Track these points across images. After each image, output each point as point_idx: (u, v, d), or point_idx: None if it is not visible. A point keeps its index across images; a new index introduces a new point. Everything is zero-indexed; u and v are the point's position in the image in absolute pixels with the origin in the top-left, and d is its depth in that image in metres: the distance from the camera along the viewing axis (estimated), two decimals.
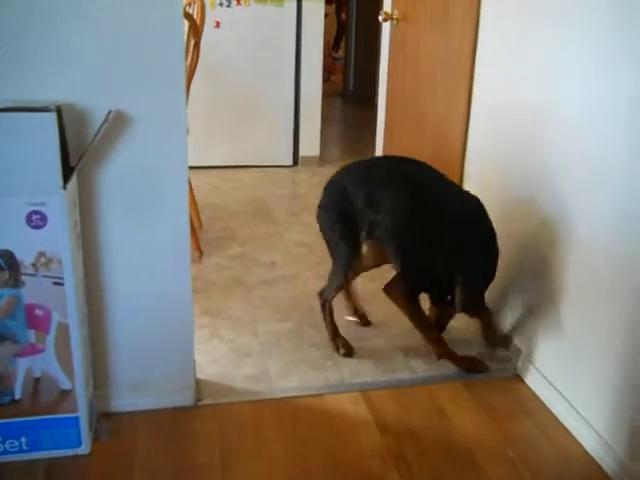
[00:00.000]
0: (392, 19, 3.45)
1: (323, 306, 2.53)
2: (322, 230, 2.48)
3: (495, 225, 2.29)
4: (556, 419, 2.09)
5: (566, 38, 2.06)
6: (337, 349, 2.46)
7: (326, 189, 2.50)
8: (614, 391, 1.85)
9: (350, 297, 2.73)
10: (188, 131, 2.74)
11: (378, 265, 2.62)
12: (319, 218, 2.48)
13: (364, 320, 2.71)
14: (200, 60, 3.25)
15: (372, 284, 3.05)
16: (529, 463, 1.89)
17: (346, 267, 2.44)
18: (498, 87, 2.53)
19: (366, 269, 2.66)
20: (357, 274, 2.66)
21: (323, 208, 2.47)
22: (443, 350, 2.34)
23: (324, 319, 2.53)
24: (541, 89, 2.21)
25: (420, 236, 2.27)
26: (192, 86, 3.29)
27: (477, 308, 2.39)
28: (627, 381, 1.79)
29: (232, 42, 4.79)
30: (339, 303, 2.69)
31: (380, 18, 3.52)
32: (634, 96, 1.74)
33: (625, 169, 1.79)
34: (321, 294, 2.53)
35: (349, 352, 2.45)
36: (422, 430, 2.04)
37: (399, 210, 2.27)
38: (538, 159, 2.24)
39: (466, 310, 2.35)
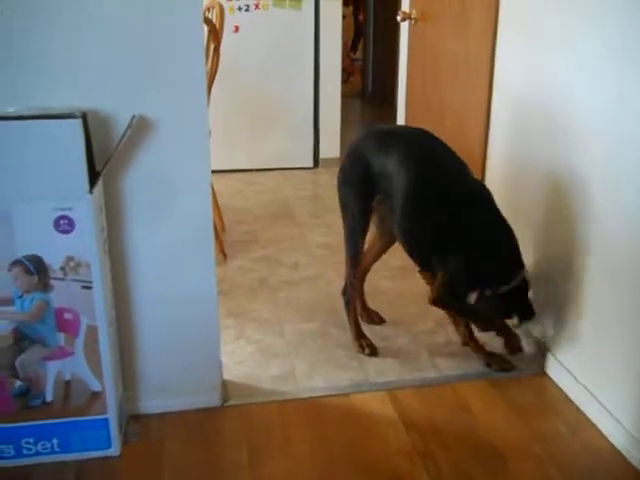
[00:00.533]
0: (410, 19, 3.46)
1: (347, 305, 2.52)
2: (339, 196, 2.52)
3: (514, 216, 2.29)
4: (582, 414, 2.08)
5: (585, 30, 2.05)
6: (361, 349, 2.46)
7: (346, 153, 2.52)
8: None
9: (360, 296, 2.69)
10: (210, 134, 2.77)
11: (387, 247, 2.67)
12: (338, 182, 2.51)
13: (377, 317, 2.70)
14: (220, 64, 3.28)
15: (392, 282, 3.07)
16: (556, 459, 1.89)
17: (356, 236, 2.47)
18: (518, 82, 2.52)
19: (376, 253, 2.68)
20: (368, 263, 2.68)
21: (341, 171, 2.50)
22: (471, 339, 2.40)
23: (348, 318, 2.53)
24: (560, 83, 2.21)
25: (422, 216, 2.27)
26: (213, 91, 3.32)
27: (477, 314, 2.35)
28: None
29: (251, 46, 4.81)
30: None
31: (398, 18, 3.52)
32: None
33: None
34: (344, 293, 2.54)
35: (373, 352, 2.44)
36: (448, 427, 2.04)
37: (407, 188, 2.25)
38: (559, 151, 2.23)
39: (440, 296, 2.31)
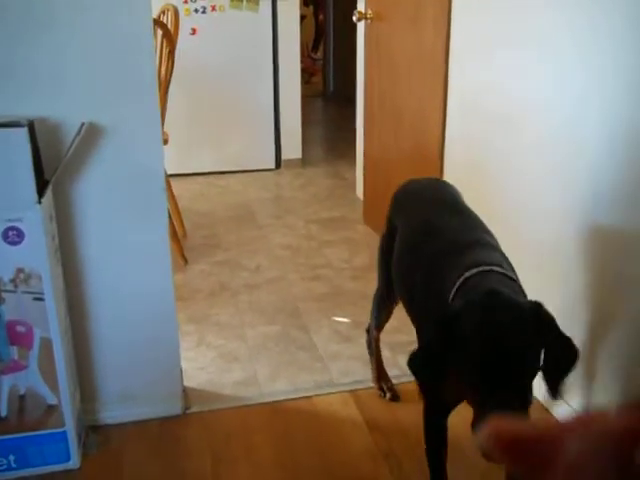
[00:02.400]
0: (366, 18, 3.46)
1: (368, 343, 2.26)
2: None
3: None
4: (547, 411, 2.10)
5: (537, 30, 2.07)
6: (382, 392, 2.20)
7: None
8: None
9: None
10: (167, 141, 2.74)
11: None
12: None
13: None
14: (178, 68, 3.25)
15: (355, 283, 3.07)
16: None
17: (380, 299, 2.17)
18: (473, 81, 2.54)
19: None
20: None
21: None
22: None
23: (370, 358, 2.26)
24: (514, 81, 2.23)
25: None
26: (172, 94, 3.29)
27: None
28: None
29: (209, 48, 4.77)
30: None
31: (354, 18, 3.52)
32: (612, 81, 1.76)
33: (598, 153, 1.80)
34: (367, 330, 2.27)
35: (395, 397, 2.18)
36: (411, 426, 2.03)
37: (403, 236, 1.82)
38: (513, 152, 2.25)
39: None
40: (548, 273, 2.06)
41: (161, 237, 1.95)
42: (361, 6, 3.58)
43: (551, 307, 1.26)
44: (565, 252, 1.99)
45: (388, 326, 2.64)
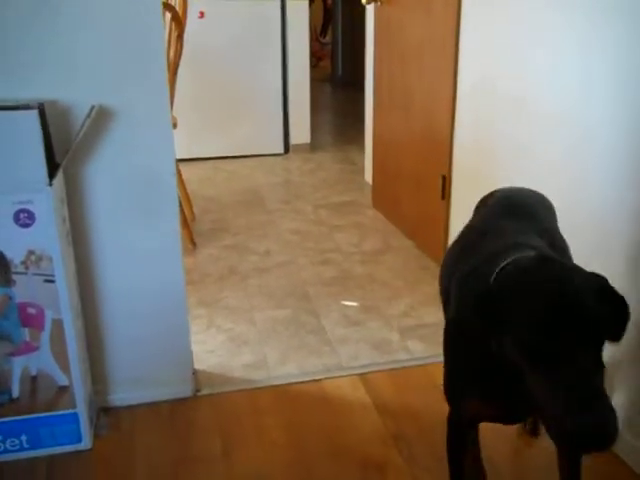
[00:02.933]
0: (376, 1, 3.44)
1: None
2: None
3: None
4: None
5: (549, 13, 2.05)
6: None
7: None
8: None
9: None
10: (176, 125, 2.74)
11: None
12: None
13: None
14: (186, 52, 3.24)
15: (364, 267, 3.07)
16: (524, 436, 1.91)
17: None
18: (483, 64, 2.52)
19: None
20: None
21: None
22: None
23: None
24: (526, 65, 2.21)
25: None
26: (180, 78, 3.28)
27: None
28: None
29: (217, 32, 4.76)
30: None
31: (364, 1, 3.50)
32: (620, 69, 1.74)
33: (609, 142, 1.79)
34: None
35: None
36: (421, 409, 2.05)
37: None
38: (523, 133, 2.24)
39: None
40: None
41: (172, 221, 1.96)
42: None
43: None
44: (579, 237, 1.98)
45: (394, 311, 2.65)
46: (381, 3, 3.40)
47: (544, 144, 2.12)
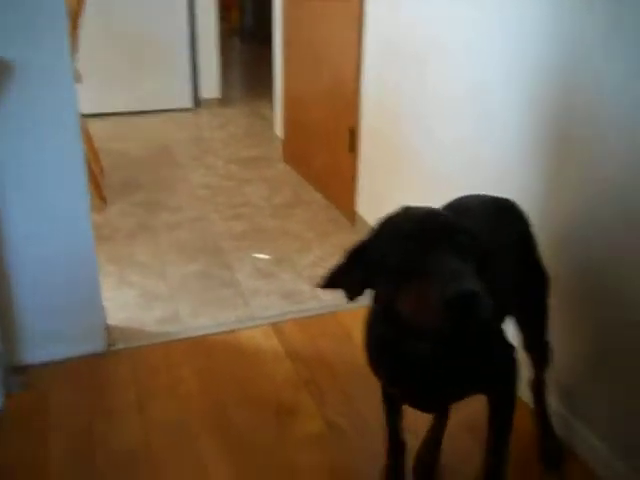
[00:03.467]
0: None
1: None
2: None
3: (388, 160, 2.36)
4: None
5: None
6: None
7: None
8: None
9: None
10: (80, 79, 2.66)
11: None
12: None
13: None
14: (90, 1, 3.13)
15: (275, 220, 3.12)
16: None
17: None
18: (387, 20, 2.57)
19: None
20: None
21: None
22: None
23: None
24: (427, 26, 2.27)
25: None
26: (84, 30, 3.17)
27: None
28: None
29: None
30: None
31: None
32: (521, 32, 1.83)
33: (505, 94, 1.89)
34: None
35: None
36: (331, 355, 2.13)
37: None
38: (425, 88, 2.32)
39: None
40: None
41: (78, 176, 1.93)
42: None
43: None
44: (482, 171, 2.09)
45: (305, 262, 2.72)
46: None
47: (445, 94, 2.20)
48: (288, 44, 3.63)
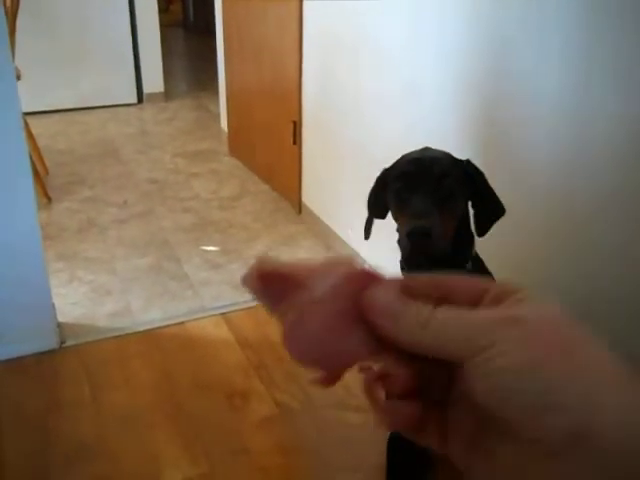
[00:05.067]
0: None
1: None
2: None
3: (328, 148, 2.42)
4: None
5: None
6: None
7: None
8: None
9: None
10: (19, 76, 2.65)
11: None
12: None
13: None
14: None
15: (222, 212, 3.16)
16: None
17: None
18: (326, 13, 2.63)
19: None
20: None
21: None
22: None
23: None
24: (358, 15, 2.34)
25: None
26: (20, 27, 3.15)
27: None
28: None
29: None
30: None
31: None
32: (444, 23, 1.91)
33: (437, 76, 1.97)
34: None
35: None
36: (279, 341, 2.18)
37: None
38: (363, 78, 2.39)
39: None
40: None
41: (23, 176, 1.95)
42: None
43: None
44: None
45: (253, 252, 2.77)
46: None
47: (382, 85, 2.28)
48: (229, 38, 3.66)
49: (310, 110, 2.89)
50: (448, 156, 1.31)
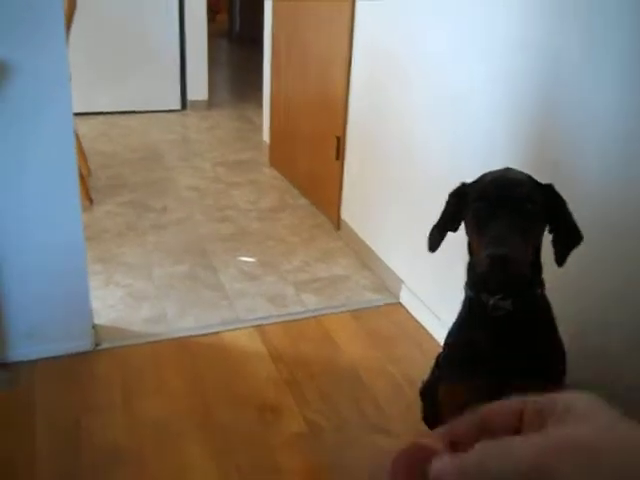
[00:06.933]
0: None
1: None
2: None
3: (374, 166, 2.40)
4: (429, 334, 2.30)
5: None
6: None
7: None
8: None
9: None
10: (70, 77, 2.69)
11: None
12: None
13: None
14: (79, 2, 3.16)
15: (261, 224, 3.16)
16: (408, 375, 2.09)
17: None
18: (377, 28, 2.63)
19: None
20: None
21: None
22: None
23: None
24: (410, 37, 2.33)
25: None
26: (73, 29, 3.20)
27: None
28: None
29: None
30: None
31: None
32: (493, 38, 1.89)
33: (480, 96, 1.95)
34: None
35: None
36: (312, 357, 2.19)
37: None
38: (412, 101, 2.38)
39: None
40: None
41: (70, 176, 1.97)
42: None
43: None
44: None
45: (290, 266, 2.77)
46: None
47: (431, 102, 2.26)
48: (277, 49, 3.67)
49: (355, 125, 2.88)
50: (531, 179, 1.29)
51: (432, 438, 0.41)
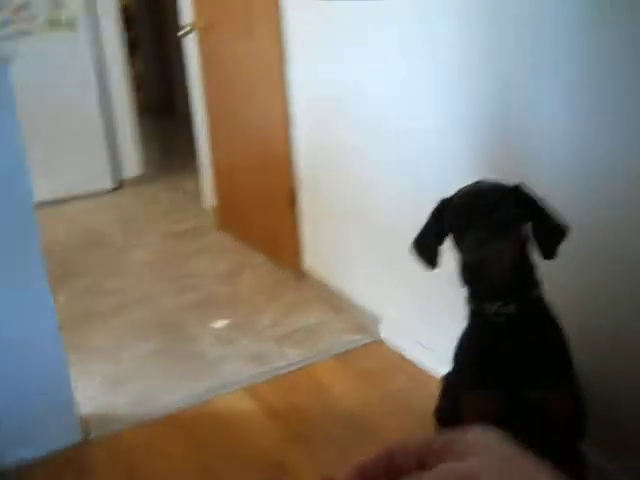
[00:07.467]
0: (196, 29, 3.50)
1: None
2: None
3: (330, 210, 2.45)
4: (415, 362, 2.33)
5: (364, 35, 2.27)
6: None
7: None
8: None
9: None
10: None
11: None
12: None
13: None
14: None
15: (227, 287, 3.14)
16: (411, 408, 2.10)
17: None
18: (310, 80, 2.70)
19: None
20: None
21: None
22: None
23: None
24: (349, 80, 2.42)
25: None
26: None
27: None
28: None
29: (27, 72, 4.59)
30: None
31: (183, 32, 3.57)
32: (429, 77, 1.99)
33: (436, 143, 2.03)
34: None
35: None
36: (309, 407, 2.18)
37: None
38: (358, 142, 2.45)
39: None
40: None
41: (37, 269, 1.94)
42: (189, 17, 3.61)
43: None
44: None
45: (264, 324, 2.75)
46: (204, 31, 3.47)
47: (377, 135, 2.33)
48: (213, 119, 3.69)
49: (305, 171, 2.92)
50: (499, 185, 1.36)
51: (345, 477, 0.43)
